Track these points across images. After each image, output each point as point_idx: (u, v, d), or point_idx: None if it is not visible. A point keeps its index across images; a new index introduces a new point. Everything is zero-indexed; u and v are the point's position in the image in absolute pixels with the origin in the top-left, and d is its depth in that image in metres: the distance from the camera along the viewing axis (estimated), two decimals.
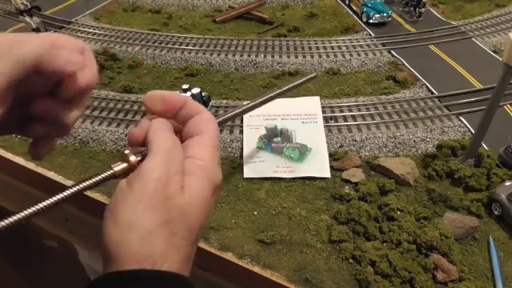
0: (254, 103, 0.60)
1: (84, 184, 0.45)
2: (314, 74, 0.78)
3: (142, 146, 0.49)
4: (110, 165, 0.47)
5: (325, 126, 1.82)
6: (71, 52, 0.45)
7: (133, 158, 0.48)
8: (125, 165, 0.48)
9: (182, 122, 0.52)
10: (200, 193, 0.46)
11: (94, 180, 0.46)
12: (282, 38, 2.66)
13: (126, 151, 0.47)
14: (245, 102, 0.61)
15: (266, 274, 1.27)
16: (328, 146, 1.72)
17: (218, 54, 2.48)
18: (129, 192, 0.42)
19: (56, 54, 0.43)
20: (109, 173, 0.48)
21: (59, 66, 0.43)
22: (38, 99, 0.46)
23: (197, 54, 2.49)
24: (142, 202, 0.42)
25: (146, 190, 0.42)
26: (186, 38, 2.68)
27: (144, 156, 0.48)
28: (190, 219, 0.44)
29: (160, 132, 0.48)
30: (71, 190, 0.45)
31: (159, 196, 0.42)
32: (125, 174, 0.48)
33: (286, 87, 0.67)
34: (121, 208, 0.42)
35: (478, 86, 2.12)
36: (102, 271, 0.42)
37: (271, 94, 0.64)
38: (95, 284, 0.40)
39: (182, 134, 0.52)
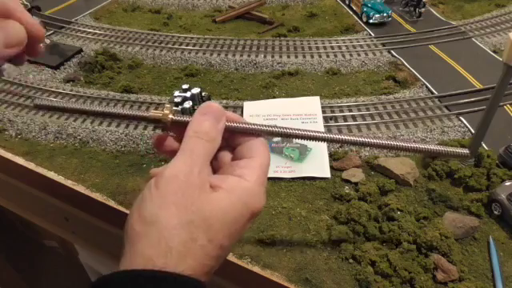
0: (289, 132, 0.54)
1: (118, 111, 0.50)
2: (466, 152, 0.55)
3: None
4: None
5: (325, 126, 1.82)
6: None
7: (167, 112, 0.50)
8: (159, 114, 0.50)
9: (235, 143, 0.52)
10: (229, 209, 0.45)
11: (127, 112, 0.51)
12: (282, 38, 2.66)
13: (168, 105, 0.49)
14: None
15: (266, 273, 1.27)
16: (328, 146, 1.72)
17: (218, 54, 2.48)
18: (154, 189, 0.43)
19: None
20: (142, 113, 0.51)
21: None
22: None
23: (197, 53, 2.49)
24: (165, 198, 0.42)
25: (170, 188, 0.43)
26: (186, 38, 2.68)
27: (183, 123, 0.49)
28: (213, 230, 0.44)
29: (193, 133, 0.48)
30: (107, 110, 0.50)
31: (182, 196, 0.43)
32: (155, 121, 0.51)
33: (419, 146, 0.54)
34: (146, 203, 0.43)
35: (478, 85, 2.11)
36: (121, 259, 0.43)
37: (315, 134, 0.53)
38: (98, 284, 0.40)
39: (233, 153, 0.53)
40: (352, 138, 0.51)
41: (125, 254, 0.42)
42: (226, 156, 0.52)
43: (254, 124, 0.51)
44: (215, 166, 0.50)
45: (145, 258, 0.40)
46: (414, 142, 0.48)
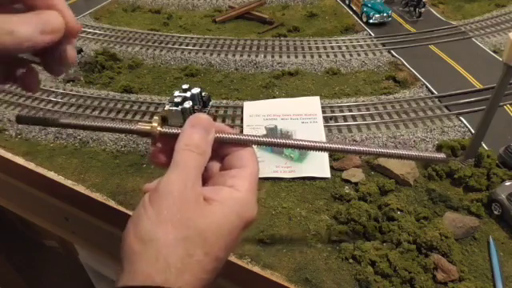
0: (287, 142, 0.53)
1: (105, 124, 0.49)
2: (443, 157, 0.55)
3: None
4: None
5: (325, 126, 1.82)
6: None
7: (155, 124, 0.49)
8: (147, 127, 0.49)
9: (223, 153, 0.52)
10: (224, 221, 0.46)
11: (114, 125, 0.50)
12: (282, 38, 2.67)
13: (156, 117, 0.49)
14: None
15: (266, 273, 1.27)
16: None
17: (218, 54, 2.48)
18: (148, 206, 0.43)
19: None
20: (130, 127, 0.50)
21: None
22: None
23: (197, 53, 2.49)
24: (160, 215, 0.42)
25: (165, 204, 0.43)
26: (186, 37, 2.68)
27: (172, 135, 0.49)
28: (209, 244, 0.44)
29: (185, 146, 0.48)
30: (93, 123, 0.49)
31: (178, 211, 0.43)
32: (145, 135, 0.50)
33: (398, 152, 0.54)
34: (142, 221, 0.42)
35: (478, 85, 2.11)
36: (117, 279, 0.43)
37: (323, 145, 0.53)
38: None
39: (223, 162, 0.52)
40: (332, 145, 0.52)
41: (124, 271, 0.42)
42: (215, 166, 0.53)
43: (242, 134, 0.52)
44: (205, 177, 0.50)
45: (144, 276, 0.40)
46: (394, 147, 0.50)
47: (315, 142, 0.53)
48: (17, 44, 0.36)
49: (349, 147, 0.53)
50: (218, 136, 0.50)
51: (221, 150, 0.51)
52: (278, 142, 0.52)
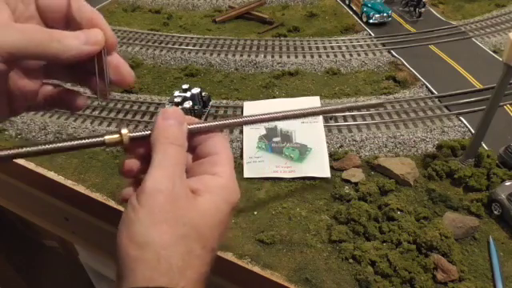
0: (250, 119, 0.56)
1: (72, 143, 0.46)
2: (379, 101, 0.69)
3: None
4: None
5: (325, 126, 1.82)
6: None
7: (125, 132, 0.48)
8: (116, 136, 0.47)
9: (194, 144, 0.51)
10: (215, 211, 0.45)
11: (81, 142, 0.47)
12: (281, 38, 2.67)
13: (124, 130, 0.48)
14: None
15: (266, 273, 1.27)
16: (328, 146, 1.72)
17: (218, 54, 2.48)
18: (139, 208, 0.42)
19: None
20: (98, 139, 0.47)
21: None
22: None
23: (197, 53, 2.49)
24: (153, 216, 0.41)
25: (156, 204, 0.42)
26: (186, 38, 2.68)
27: (141, 138, 0.47)
28: (205, 237, 0.44)
29: (164, 139, 0.46)
30: (57, 145, 0.46)
31: (170, 209, 0.42)
32: (115, 144, 0.48)
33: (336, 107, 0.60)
34: (134, 225, 0.41)
35: (478, 85, 2.12)
36: (116, 286, 0.42)
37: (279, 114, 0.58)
38: None
39: (195, 152, 0.52)
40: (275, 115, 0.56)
41: (123, 278, 0.41)
42: (189, 157, 0.52)
43: (209, 121, 0.51)
44: None
45: (146, 280, 0.39)
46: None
47: (273, 113, 0.56)
48: (64, 51, 0.43)
49: (291, 113, 0.59)
50: (190, 127, 0.50)
51: (191, 141, 0.51)
52: (241, 121, 0.53)
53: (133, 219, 0.42)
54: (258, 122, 0.55)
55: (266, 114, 0.55)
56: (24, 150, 0.44)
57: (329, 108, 0.60)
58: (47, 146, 0.46)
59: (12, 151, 0.43)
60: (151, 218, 0.41)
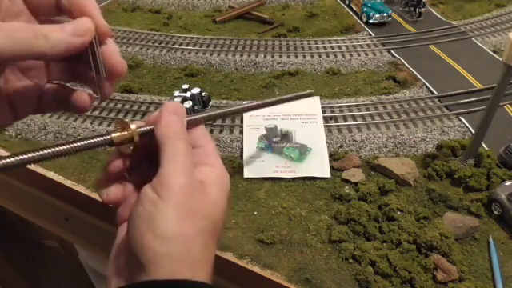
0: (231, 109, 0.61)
1: (77, 144, 0.43)
2: (310, 91, 0.78)
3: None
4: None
5: (325, 126, 1.82)
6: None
7: (133, 127, 0.47)
8: (125, 133, 0.45)
9: None
10: (221, 201, 0.47)
11: (88, 142, 0.44)
12: (282, 38, 2.67)
13: (127, 120, 0.47)
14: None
15: (266, 273, 1.27)
16: (328, 146, 1.72)
17: (218, 54, 2.48)
18: (160, 202, 0.42)
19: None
20: (106, 138, 0.45)
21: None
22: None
23: (197, 53, 2.49)
24: (177, 211, 0.42)
25: (179, 198, 0.42)
26: (186, 38, 2.68)
27: (146, 134, 0.46)
28: (217, 229, 0.45)
29: (174, 134, 0.47)
30: (63, 147, 0.43)
31: (190, 204, 0.43)
32: (122, 143, 0.45)
33: (275, 99, 0.69)
34: (157, 219, 0.41)
35: (478, 85, 2.12)
36: (127, 278, 0.43)
37: (253, 104, 0.63)
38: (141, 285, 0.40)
39: None
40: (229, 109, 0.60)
41: (144, 271, 0.40)
42: None
43: (192, 115, 0.52)
44: None
45: (174, 273, 0.40)
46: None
47: (239, 105, 0.62)
48: (52, 46, 0.40)
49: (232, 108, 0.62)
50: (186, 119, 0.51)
51: None
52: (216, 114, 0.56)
53: (155, 214, 0.41)
54: (229, 114, 0.61)
55: (233, 107, 0.62)
56: (27, 156, 0.40)
57: (260, 103, 0.66)
58: (49, 150, 0.41)
59: (12, 159, 0.39)
60: (176, 213, 0.41)
